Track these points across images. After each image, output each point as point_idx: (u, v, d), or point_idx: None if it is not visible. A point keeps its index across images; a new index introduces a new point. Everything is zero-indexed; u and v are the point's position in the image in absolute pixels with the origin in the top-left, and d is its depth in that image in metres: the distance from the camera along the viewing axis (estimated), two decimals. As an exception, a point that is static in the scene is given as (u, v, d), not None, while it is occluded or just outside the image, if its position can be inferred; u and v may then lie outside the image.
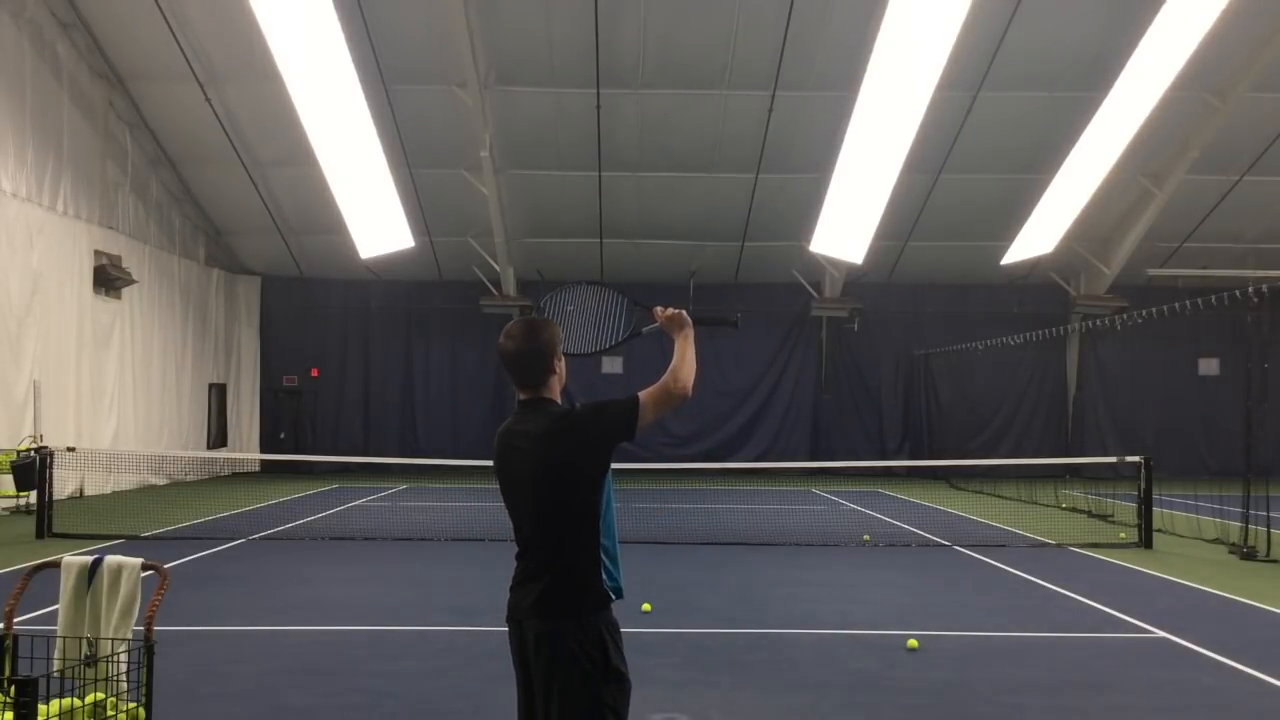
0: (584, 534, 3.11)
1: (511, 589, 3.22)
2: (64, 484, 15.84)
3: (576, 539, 3.11)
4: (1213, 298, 13.29)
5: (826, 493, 20.35)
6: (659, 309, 3.44)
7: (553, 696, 3.02)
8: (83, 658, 4.01)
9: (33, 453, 13.35)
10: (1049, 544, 12.76)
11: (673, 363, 3.24)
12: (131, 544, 11.91)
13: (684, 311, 3.42)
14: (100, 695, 3.95)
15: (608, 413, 3.11)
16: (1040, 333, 19.71)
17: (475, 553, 11.51)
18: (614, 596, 3.15)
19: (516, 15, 17.53)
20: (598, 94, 18.71)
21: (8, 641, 3.95)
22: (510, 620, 3.20)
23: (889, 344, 25.26)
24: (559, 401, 3.27)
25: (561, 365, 3.26)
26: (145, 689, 3.96)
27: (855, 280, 24.44)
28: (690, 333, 3.36)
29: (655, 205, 22.11)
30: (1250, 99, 19.03)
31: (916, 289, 25.14)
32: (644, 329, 3.61)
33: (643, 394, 3.13)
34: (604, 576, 3.13)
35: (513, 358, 3.20)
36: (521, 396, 3.25)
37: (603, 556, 3.13)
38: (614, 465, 3.22)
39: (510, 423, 3.27)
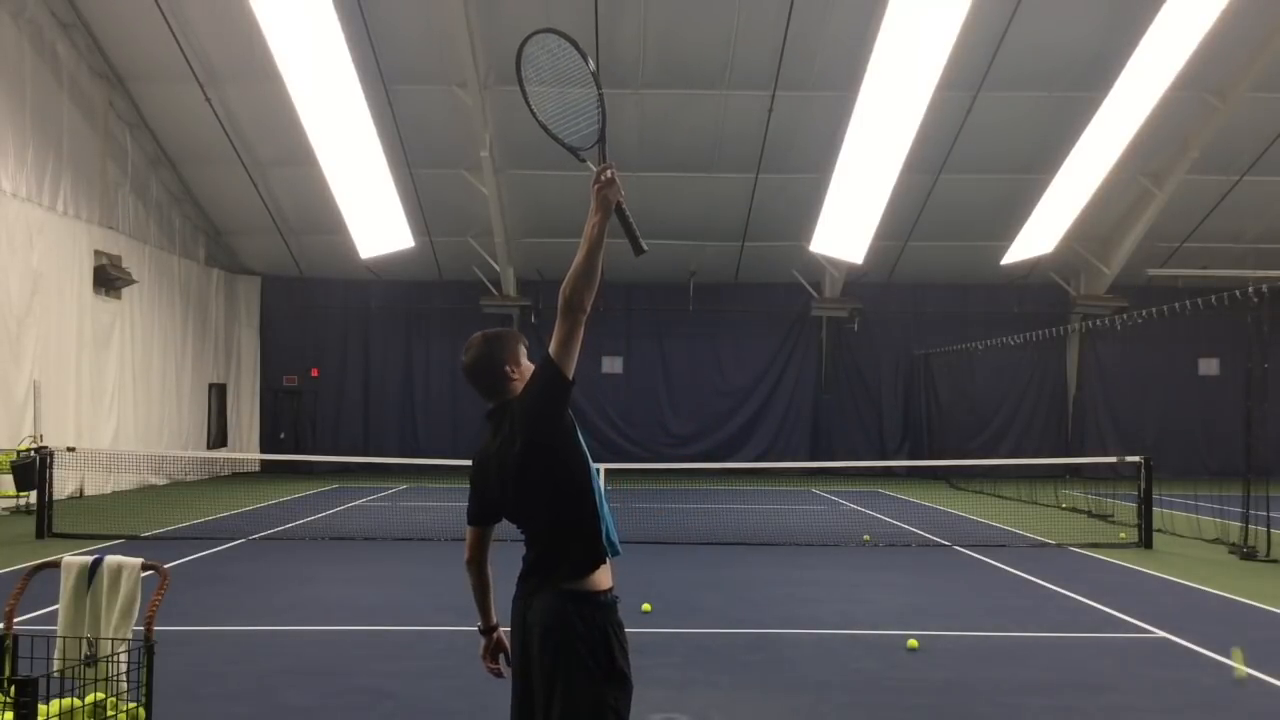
0: (577, 501, 3.09)
1: (519, 581, 3.19)
2: (64, 484, 15.85)
3: (571, 506, 3.09)
4: (1213, 298, 13.30)
5: (826, 493, 20.34)
6: (599, 168, 3.14)
7: (555, 696, 2.99)
8: (83, 658, 4.01)
9: (33, 453, 13.36)
10: (1049, 544, 12.76)
11: (574, 262, 3.00)
12: (131, 544, 11.91)
13: (618, 189, 3.08)
14: (100, 695, 3.95)
15: (533, 383, 3.10)
16: (1040, 333, 19.70)
17: (475, 553, 11.50)
18: (612, 553, 3.14)
19: (516, 15, 17.51)
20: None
21: (8, 641, 3.95)
22: (515, 600, 3.17)
23: (889, 344, 25.26)
24: None
25: (520, 370, 3.23)
26: (145, 689, 3.96)
27: (855, 280, 24.44)
28: (602, 221, 3.05)
29: (655, 205, 22.08)
30: (1250, 99, 19.03)
31: (916, 289, 25.14)
32: (581, 155, 3.33)
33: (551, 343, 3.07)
34: (603, 535, 3.11)
35: (467, 374, 3.27)
36: (488, 406, 3.27)
37: (600, 513, 3.11)
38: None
39: (483, 446, 3.27)
